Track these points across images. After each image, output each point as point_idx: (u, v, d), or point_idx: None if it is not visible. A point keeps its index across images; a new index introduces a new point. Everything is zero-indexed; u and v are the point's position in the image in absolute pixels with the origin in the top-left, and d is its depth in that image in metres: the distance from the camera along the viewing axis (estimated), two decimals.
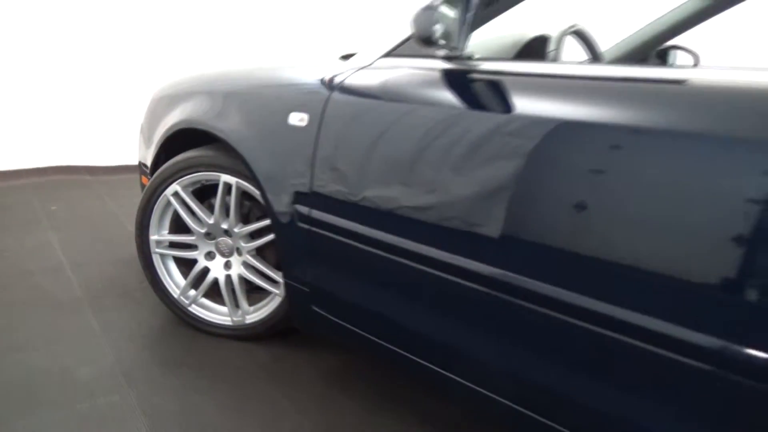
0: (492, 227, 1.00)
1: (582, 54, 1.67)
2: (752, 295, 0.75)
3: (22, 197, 3.05)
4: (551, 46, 1.45)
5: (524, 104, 0.99)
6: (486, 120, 1.03)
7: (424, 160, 1.10)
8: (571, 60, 1.61)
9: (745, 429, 0.78)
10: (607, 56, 2.24)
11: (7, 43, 3.23)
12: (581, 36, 1.65)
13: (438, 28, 1.04)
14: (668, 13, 2.06)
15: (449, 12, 1.07)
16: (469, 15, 1.09)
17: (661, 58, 2.27)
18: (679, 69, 0.95)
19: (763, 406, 0.75)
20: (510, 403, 1.05)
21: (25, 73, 3.33)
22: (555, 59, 1.45)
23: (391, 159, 1.16)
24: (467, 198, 1.03)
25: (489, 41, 1.50)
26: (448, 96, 1.10)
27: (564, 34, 1.48)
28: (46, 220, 2.69)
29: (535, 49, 1.50)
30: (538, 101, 0.98)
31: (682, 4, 2.00)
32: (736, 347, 0.76)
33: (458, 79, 1.12)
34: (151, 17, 3.65)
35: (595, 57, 1.72)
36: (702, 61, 2.27)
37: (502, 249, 1.00)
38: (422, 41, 1.06)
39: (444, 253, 1.08)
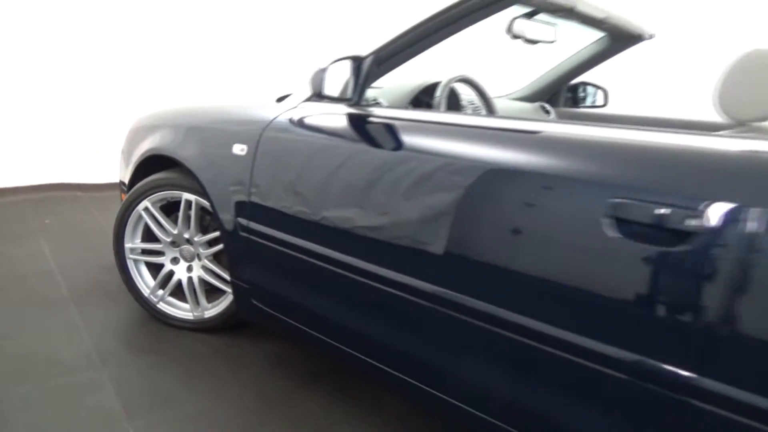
0: (379, 234, 1.34)
1: (474, 98, 2.02)
2: (639, 308, 0.97)
3: (19, 211, 3.38)
4: (437, 93, 1.80)
5: (401, 142, 1.33)
6: (372, 153, 1.37)
7: (330, 183, 1.44)
8: (440, 110, 1.91)
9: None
10: (526, 92, 2.61)
11: (9, 74, 3.58)
12: (470, 83, 2.01)
13: (327, 85, 1.39)
14: (572, 55, 2.42)
15: (344, 72, 1.42)
16: (362, 75, 1.44)
17: (573, 92, 2.63)
18: (519, 121, 1.27)
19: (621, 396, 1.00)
20: (409, 378, 1.35)
21: (24, 100, 3.68)
22: (439, 104, 1.80)
23: (306, 181, 1.50)
24: (360, 211, 1.37)
25: (395, 88, 1.86)
26: (347, 134, 1.45)
27: (449, 83, 1.84)
28: (40, 232, 3.01)
29: (427, 95, 1.86)
30: (410, 139, 1.32)
31: (582, 49, 2.37)
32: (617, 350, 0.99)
33: (355, 122, 1.46)
34: (139, 52, 4.01)
35: (485, 100, 2.07)
36: (610, 93, 2.64)
37: (388, 252, 1.33)
38: (316, 96, 1.41)
39: (345, 256, 1.41)
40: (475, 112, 2.03)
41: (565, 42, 2.04)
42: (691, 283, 0.92)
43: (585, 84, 2.59)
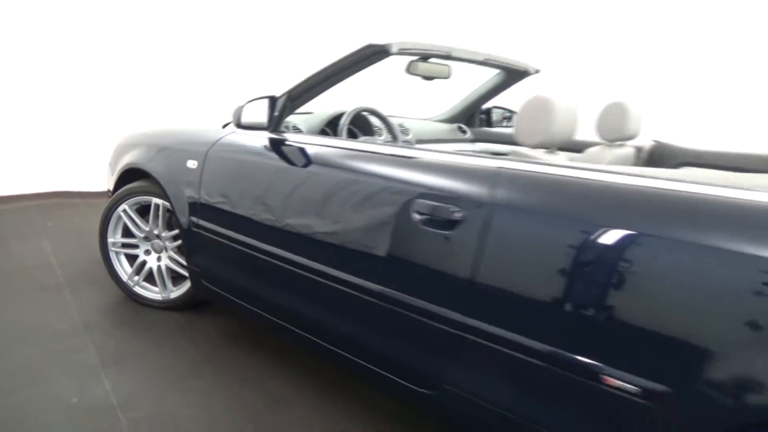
0: (289, 228, 1.82)
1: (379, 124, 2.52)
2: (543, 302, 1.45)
3: (25, 215, 3.90)
4: (342, 121, 2.29)
5: (305, 160, 1.82)
6: (285, 167, 1.86)
7: (255, 190, 1.93)
8: (340, 136, 2.36)
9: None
10: (447, 115, 3.10)
11: (18, 98, 4.12)
12: (373, 113, 2.50)
13: (243, 118, 1.89)
14: (482, 84, 2.91)
15: (263, 106, 1.91)
16: (277, 110, 1.94)
17: (487, 114, 3.12)
18: (378, 145, 1.76)
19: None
20: (329, 345, 1.81)
21: (31, 118, 4.22)
22: (341, 131, 2.29)
23: (237, 189, 1.99)
24: (276, 210, 1.85)
25: (313, 116, 2.36)
26: (266, 153, 1.94)
27: (350, 114, 2.33)
28: (43, 233, 3.53)
29: (334, 123, 2.35)
30: (311, 158, 1.81)
31: (488, 80, 2.85)
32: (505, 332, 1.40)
33: (272, 144, 1.95)
34: (134, 77, 4.54)
35: (387, 125, 2.56)
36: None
37: (295, 241, 1.80)
38: (237, 125, 1.91)
39: (266, 245, 1.89)
40: (376, 135, 2.53)
41: None
42: (458, 250, 1.39)
43: (496, 107, 3.07)
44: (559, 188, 1.30)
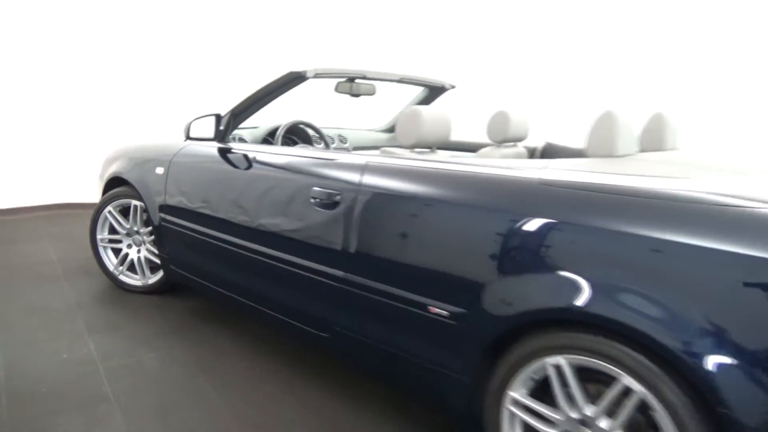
0: (234, 218, 2.32)
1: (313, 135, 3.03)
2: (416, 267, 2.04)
3: (32, 223, 4.45)
4: (277, 133, 2.80)
5: (245, 164, 2.33)
6: (229, 170, 2.36)
7: (207, 189, 2.43)
8: (276, 144, 2.86)
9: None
10: (386, 126, 3.60)
11: (25, 120, 4.69)
12: (308, 125, 3.01)
13: (192, 132, 2.41)
14: (413, 99, 3.41)
15: (211, 121, 2.43)
16: (222, 125, 2.45)
17: None
18: (304, 149, 2.26)
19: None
20: (258, 306, 2.31)
21: (38, 138, 4.78)
22: (277, 140, 2.79)
23: (193, 189, 2.50)
24: (223, 204, 2.35)
25: (258, 129, 2.87)
26: (215, 159, 2.45)
27: (285, 126, 2.84)
28: (47, 237, 4.07)
29: (273, 134, 2.86)
30: (250, 162, 2.31)
31: (417, 94, 3.35)
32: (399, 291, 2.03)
33: (219, 152, 2.46)
34: (130, 99, 5.11)
35: (319, 134, 3.07)
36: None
37: (238, 228, 2.30)
38: (187, 138, 2.42)
39: (217, 233, 2.38)
40: (315, 143, 3.03)
41: None
42: (339, 224, 1.88)
43: None
44: (401, 174, 1.80)
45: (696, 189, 1.33)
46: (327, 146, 3.08)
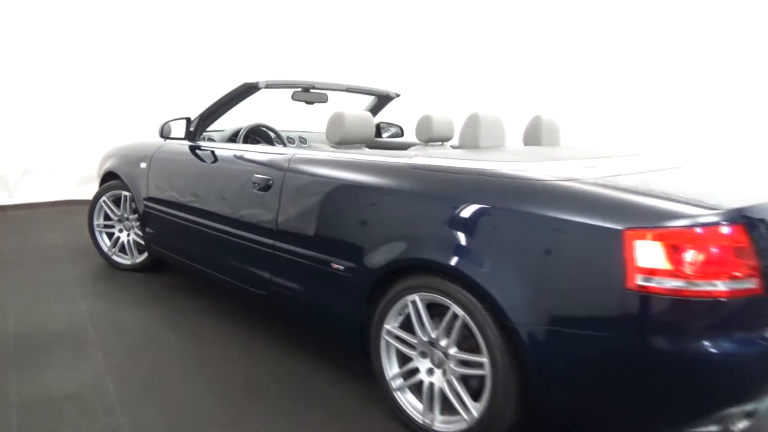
0: (202, 204, 2.84)
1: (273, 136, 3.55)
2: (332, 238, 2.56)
3: (44, 217, 5.04)
4: (239, 134, 3.32)
5: (212, 159, 2.85)
6: (199, 164, 2.89)
7: (181, 180, 2.96)
8: (238, 143, 3.42)
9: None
10: None
11: (39, 130, 5.30)
12: (267, 128, 3.52)
13: (164, 132, 2.94)
14: (365, 106, 3.91)
15: (182, 123, 2.96)
16: (192, 126, 2.97)
17: (377, 128, 4.11)
18: (262, 146, 2.78)
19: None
20: (215, 273, 2.82)
21: (53, 141, 5.38)
22: (239, 140, 3.31)
23: (172, 181, 3.03)
24: (196, 192, 2.87)
25: (226, 131, 3.40)
26: (187, 156, 2.98)
27: (246, 128, 3.36)
28: (57, 227, 4.64)
29: (236, 135, 3.39)
30: (215, 158, 2.84)
31: (368, 103, 3.85)
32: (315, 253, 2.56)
33: (191, 150, 2.99)
34: (131, 108, 5.69)
35: (277, 135, 3.59)
36: (406, 131, 4.09)
37: (205, 212, 2.82)
38: (160, 136, 2.96)
39: (189, 215, 2.90)
40: (275, 143, 3.54)
41: None
42: (272, 202, 2.39)
43: (384, 123, 4.06)
44: (314, 163, 2.31)
45: (516, 169, 1.83)
46: (284, 145, 3.60)
